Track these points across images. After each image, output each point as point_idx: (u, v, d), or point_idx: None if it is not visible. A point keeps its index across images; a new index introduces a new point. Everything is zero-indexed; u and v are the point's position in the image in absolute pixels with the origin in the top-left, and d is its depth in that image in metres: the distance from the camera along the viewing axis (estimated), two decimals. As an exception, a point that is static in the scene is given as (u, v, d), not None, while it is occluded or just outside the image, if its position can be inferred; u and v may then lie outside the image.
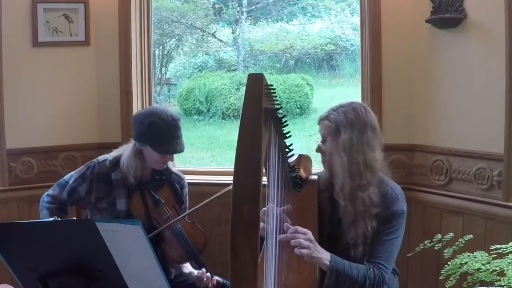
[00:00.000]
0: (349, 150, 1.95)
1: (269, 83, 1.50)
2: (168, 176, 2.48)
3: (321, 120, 2.05)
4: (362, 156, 1.96)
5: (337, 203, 2.05)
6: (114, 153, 2.49)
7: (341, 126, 1.97)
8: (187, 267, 2.50)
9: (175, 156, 2.54)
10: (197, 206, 2.37)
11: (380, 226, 1.94)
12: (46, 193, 2.46)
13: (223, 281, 2.38)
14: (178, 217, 2.38)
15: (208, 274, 2.36)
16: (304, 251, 1.74)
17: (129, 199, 2.41)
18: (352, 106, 2.02)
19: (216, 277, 2.37)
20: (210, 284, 2.34)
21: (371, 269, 1.88)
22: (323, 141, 2.05)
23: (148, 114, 2.36)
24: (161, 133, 2.30)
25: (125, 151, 2.44)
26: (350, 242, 1.96)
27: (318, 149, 2.07)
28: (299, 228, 1.78)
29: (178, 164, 3.21)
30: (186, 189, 2.59)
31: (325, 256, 1.80)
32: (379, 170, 2.01)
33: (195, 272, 2.42)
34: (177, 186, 2.50)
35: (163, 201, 2.42)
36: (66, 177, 2.48)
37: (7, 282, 2.14)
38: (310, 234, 1.78)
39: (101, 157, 2.50)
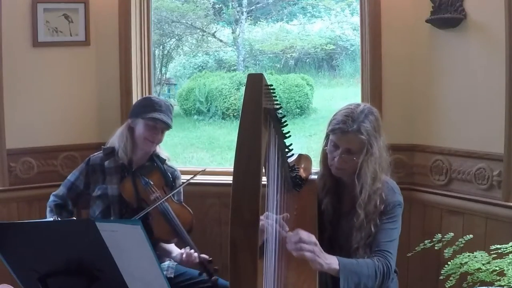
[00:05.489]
0: (379, 159, 1.95)
1: (269, 83, 1.50)
2: (159, 163, 2.58)
3: (349, 132, 1.91)
4: (383, 161, 1.97)
5: (340, 208, 2.05)
6: (108, 145, 2.61)
7: (372, 136, 1.93)
8: (174, 251, 2.58)
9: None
10: (181, 185, 2.53)
11: (379, 218, 1.95)
12: (52, 193, 2.58)
13: (209, 259, 2.43)
14: (165, 196, 2.47)
15: (193, 252, 2.42)
16: (308, 254, 1.69)
17: (120, 184, 2.52)
18: (370, 111, 1.98)
19: (202, 255, 2.42)
20: (193, 258, 2.40)
21: (377, 261, 1.87)
22: (348, 152, 1.94)
23: (146, 96, 2.72)
24: (152, 104, 2.50)
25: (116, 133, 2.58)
26: (354, 246, 1.96)
27: (343, 164, 1.95)
28: (302, 234, 1.71)
29: (178, 164, 3.21)
30: (180, 181, 2.66)
31: (333, 261, 1.77)
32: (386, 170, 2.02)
33: (180, 251, 2.49)
34: (169, 174, 2.59)
35: (152, 183, 2.51)
36: (69, 176, 2.61)
37: (7, 282, 2.14)
38: (313, 237, 1.74)
39: (96, 152, 2.64)
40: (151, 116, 2.47)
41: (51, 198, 2.55)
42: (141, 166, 2.56)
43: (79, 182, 2.56)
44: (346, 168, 1.98)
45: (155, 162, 2.58)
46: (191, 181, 3.02)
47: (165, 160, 2.63)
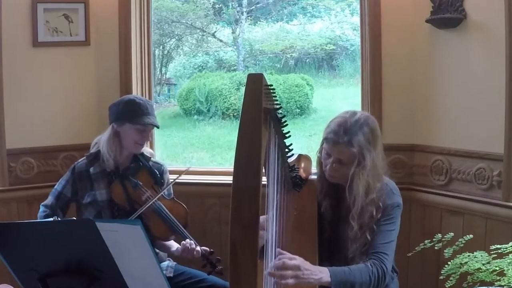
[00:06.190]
0: (373, 171, 1.92)
1: (269, 83, 1.50)
2: (145, 162, 2.58)
3: (340, 144, 1.90)
4: (377, 171, 1.95)
5: (339, 210, 2.05)
6: (91, 151, 2.60)
7: (364, 148, 1.90)
8: (173, 245, 2.59)
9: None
10: (172, 182, 2.55)
11: (376, 220, 1.94)
12: (41, 203, 2.57)
13: (210, 250, 2.46)
14: (157, 195, 2.47)
15: (193, 243, 2.44)
16: (290, 281, 1.66)
17: (109, 188, 2.51)
18: (366, 121, 1.94)
19: (203, 247, 2.45)
20: (195, 252, 2.42)
21: (372, 265, 1.86)
22: (339, 162, 1.93)
23: (123, 97, 2.63)
24: (138, 108, 2.49)
25: (101, 139, 2.56)
26: (350, 256, 1.95)
27: (335, 173, 1.94)
28: (287, 261, 1.68)
29: (178, 164, 3.21)
30: (168, 175, 2.66)
31: (324, 274, 1.76)
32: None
33: (182, 243, 2.49)
34: (156, 171, 2.59)
35: (141, 183, 2.50)
36: (56, 185, 2.60)
37: (7, 282, 2.14)
38: (296, 260, 1.70)
39: (80, 159, 2.63)
40: (142, 122, 2.47)
41: (41, 209, 2.54)
42: (127, 168, 2.55)
43: (66, 191, 2.55)
44: (338, 176, 1.97)
45: (141, 161, 2.57)
46: (191, 181, 3.03)
47: (150, 157, 2.63)
